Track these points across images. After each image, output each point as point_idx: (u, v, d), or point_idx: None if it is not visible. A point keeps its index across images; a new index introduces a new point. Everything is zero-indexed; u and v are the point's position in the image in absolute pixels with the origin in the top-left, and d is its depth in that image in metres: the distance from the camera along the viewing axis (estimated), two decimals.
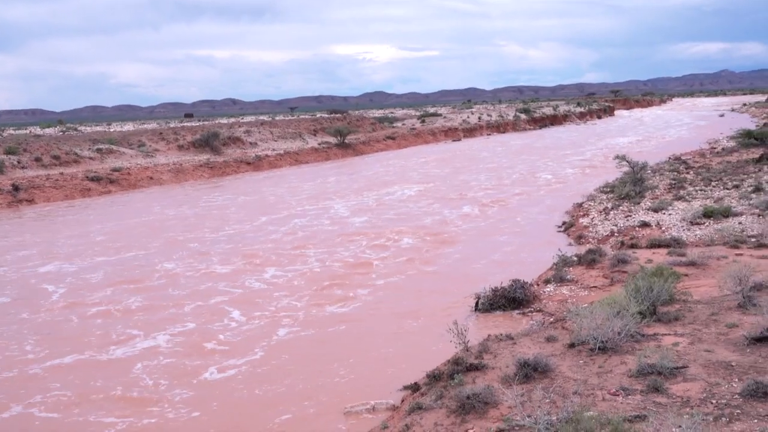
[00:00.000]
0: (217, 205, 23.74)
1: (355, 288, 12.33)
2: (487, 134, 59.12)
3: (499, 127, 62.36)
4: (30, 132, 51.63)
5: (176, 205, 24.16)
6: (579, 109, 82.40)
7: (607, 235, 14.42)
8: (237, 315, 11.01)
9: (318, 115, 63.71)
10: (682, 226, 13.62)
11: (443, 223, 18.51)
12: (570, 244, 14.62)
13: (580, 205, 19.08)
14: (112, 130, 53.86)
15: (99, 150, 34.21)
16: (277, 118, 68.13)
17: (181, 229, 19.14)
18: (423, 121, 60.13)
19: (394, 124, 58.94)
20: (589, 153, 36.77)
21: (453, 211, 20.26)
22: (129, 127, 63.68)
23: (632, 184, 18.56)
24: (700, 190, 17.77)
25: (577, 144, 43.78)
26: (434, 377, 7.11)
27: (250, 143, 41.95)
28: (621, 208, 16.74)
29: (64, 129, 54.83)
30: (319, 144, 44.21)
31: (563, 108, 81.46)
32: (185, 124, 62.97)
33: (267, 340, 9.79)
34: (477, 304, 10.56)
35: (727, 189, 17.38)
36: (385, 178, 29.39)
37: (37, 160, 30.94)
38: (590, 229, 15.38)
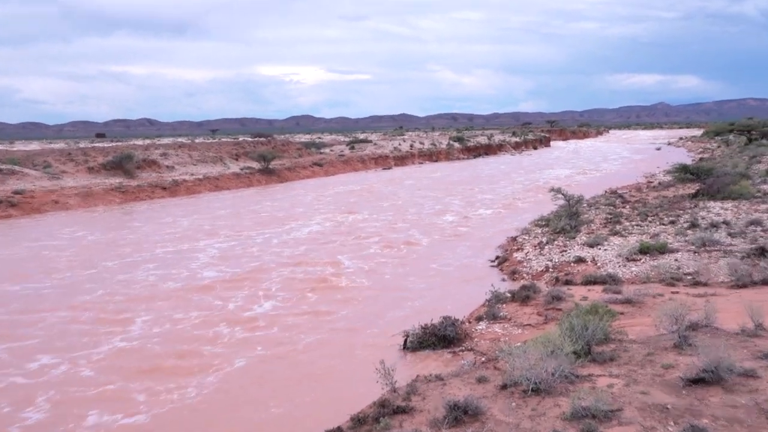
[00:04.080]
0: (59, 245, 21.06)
1: (256, 337, 12.06)
2: (419, 163, 59.92)
3: (432, 156, 63.34)
4: None
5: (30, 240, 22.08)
6: (514, 139, 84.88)
7: (542, 270, 14.64)
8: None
9: (241, 139, 63.23)
10: (618, 263, 13.97)
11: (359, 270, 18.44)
12: (503, 280, 14.77)
13: (514, 239, 19.41)
14: (15, 149, 52.01)
15: None
16: (197, 140, 67.11)
17: None
18: (352, 148, 60.42)
19: (322, 150, 59.03)
20: (522, 185, 37.81)
21: (376, 248, 20.28)
22: (34, 146, 61.56)
23: (567, 217, 19.00)
24: (637, 225, 18.34)
25: (510, 175, 44.95)
26: (359, 421, 6.93)
27: (167, 167, 41.00)
28: (556, 242, 17.06)
29: None
30: (241, 169, 43.66)
31: (498, 137, 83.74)
32: (96, 144, 61.32)
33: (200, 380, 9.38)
34: (406, 342, 10.48)
35: (664, 224, 17.99)
36: (298, 209, 29.12)
37: None
38: (524, 264, 15.59)
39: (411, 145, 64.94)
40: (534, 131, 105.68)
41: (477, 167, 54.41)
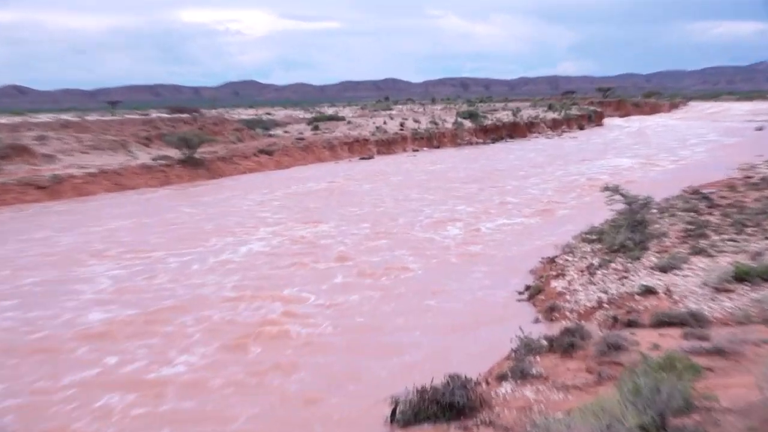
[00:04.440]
0: None
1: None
2: (413, 150, 60.32)
3: (432, 140, 63.80)
4: None
5: None
6: (551, 115, 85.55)
7: (593, 306, 14.55)
8: None
9: (154, 115, 62.74)
10: (704, 295, 13.85)
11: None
12: (537, 320, 14.74)
13: (552, 260, 19.39)
14: None
15: None
16: (89, 117, 66.63)
17: None
18: (316, 128, 60.53)
19: (272, 132, 59.03)
20: (562, 182, 38.17)
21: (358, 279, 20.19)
22: None
23: (630, 229, 18.91)
24: (730, 239, 18.26)
25: (544, 167, 45.33)
26: None
27: (45, 156, 40.66)
28: (613, 265, 16.98)
29: None
30: (154, 159, 43.40)
31: (528, 113, 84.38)
32: None
33: None
34: (394, 412, 10.30)
35: None
36: (233, 219, 28.91)
37: None
38: (567, 297, 15.53)
39: (401, 125, 65.18)
40: (579, 103, 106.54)
41: (496, 156, 54.64)
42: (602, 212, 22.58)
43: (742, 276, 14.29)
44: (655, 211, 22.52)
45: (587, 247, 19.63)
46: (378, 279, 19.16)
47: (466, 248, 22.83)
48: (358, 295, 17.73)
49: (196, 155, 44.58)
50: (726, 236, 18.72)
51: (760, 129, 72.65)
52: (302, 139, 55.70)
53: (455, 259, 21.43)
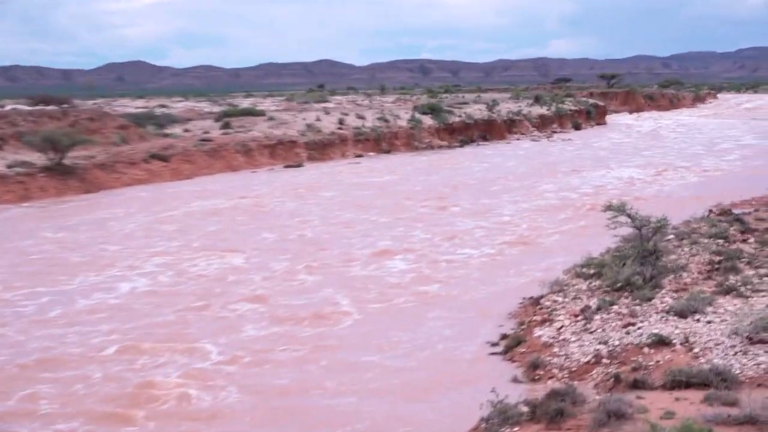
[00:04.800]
0: None
1: None
2: (356, 155, 60.38)
3: (381, 142, 64.05)
4: None
5: None
6: (538, 110, 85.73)
7: (589, 361, 14.58)
8: None
9: (9, 107, 62.18)
10: (734, 347, 13.86)
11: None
12: (515, 380, 14.77)
13: (536, 301, 19.39)
14: None
15: None
16: None
17: None
18: (227, 126, 60.03)
19: (169, 131, 58.47)
20: (549, 199, 38.67)
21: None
22: None
23: (638, 261, 18.93)
24: None
25: (526, 179, 45.90)
26: None
27: None
28: (616, 307, 17.00)
29: None
30: (9, 167, 42.91)
31: (508, 106, 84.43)
32: None
33: None
34: None
35: None
36: (110, 247, 28.55)
37: None
38: (555, 349, 15.56)
39: (340, 122, 64.92)
40: (576, 95, 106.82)
41: (465, 164, 54.96)
42: (602, 239, 22.70)
43: None
44: (671, 237, 22.68)
45: (582, 285, 19.62)
46: (302, 327, 19.07)
47: (420, 287, 22.71)
48: (277, 349, 17.66)
49: (67, 161, 44.12)
50: (764, 270, 18.83)
51: None
52: (209, 140, 55.27)
53: (406, 301, 21.33)
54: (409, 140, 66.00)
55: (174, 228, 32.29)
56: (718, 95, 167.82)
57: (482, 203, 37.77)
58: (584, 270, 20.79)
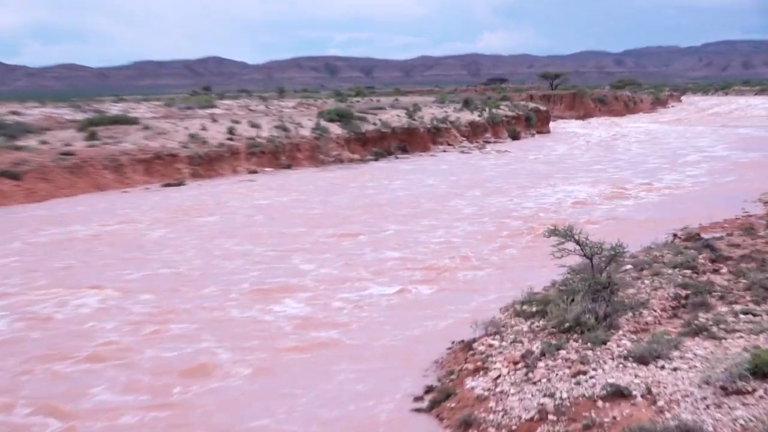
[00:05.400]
0: None
1: None
2: (250, 171, 60.82)
3: (279, 155, 64.36)
4: None
5: None
6: (468, 117, 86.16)
7: (532, 418, 14.57)
8: None
9: None
10: (706, 398, 13.96)
11: None
12: None
13: (468, 346, 19.33)
14: None
15: None
16: None
17: None
18: (93, 137, 59.66)
19: (21, 143, 57.76)
20: (481, 222, 38.89)
21: None
22: None
23: (590, 296, 18.98)
24: (746, 312, 18.52)
25: (451, 199, 46.35)
26: None
27: None
28: (563, 353, 17.02)
29: None
30: None
31: (432, 112, 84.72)
32: None
33: None
34: None
35: None
36: None
37: None
38: (492, 404, 15.51)
39: (231, 131, 64.82)
40: (513, 99, 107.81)
41: (378, 181, 55.35)
42: (546, 270, 22.85)
43: (764, 369, 14.46)
44: (629, 267, 22.90)
45: (523, 325, 19.60)
46: (168, 391, 18.76)
47: (318, 333, 22.58)
48: (132, 417, 17.31)
49: None
50: (740, 307, 19.02)
51: None
52: (71, 154, 54.87)
53: (301, 351, 21.17)
54: (313, 153, 66.49)
55: (15, 262, 31.98)
56: (682, 98, 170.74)
57: (394, 230, 37.92)
58: (525, 308, 20.78)
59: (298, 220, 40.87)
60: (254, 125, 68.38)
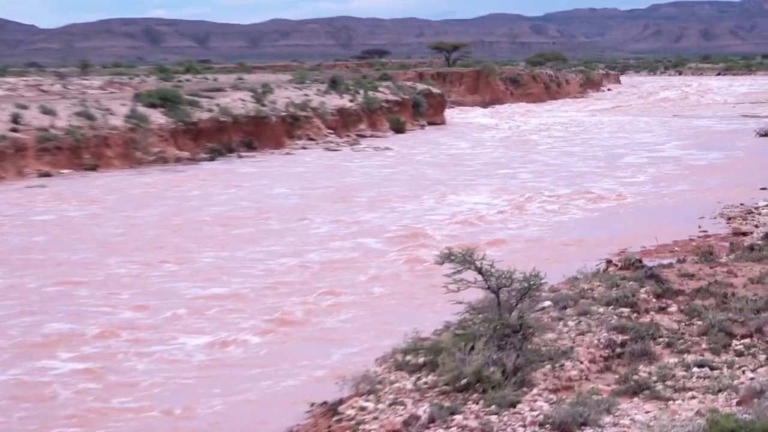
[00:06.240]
0: None
1: None
2: (40, 173, 60.85)
3: (81, 152, 64.58)
4: None
5: None
6: (336, 102, 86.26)
7: None
8: None
9: None
10: None
11: None
12: None
13: (332, 410, 19.24)
14: None
15: None
16: None
17: None
18: None
19: None
20: (348, 243, 39.19)
21: None
22: None
23: (495, 342, 18.94)
24: (700, 364, 18.70)
25: (309, 210, 47.02)
26: None
27: None
28: (459, 418, 16.96)
29: None
30: None
31: (288, 96, 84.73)
32: None
33: None
34: None
35: None
36: None
37: None
38: None
39: (15, 119, 64.90)
40: (396, 78, 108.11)
41: (206, 188, 55.70)
42: (437, 308, 22.77)
43: None
44: (548, 304, 22.98)
45: (407, 381, 19.52)
46: None
47: (104, 401, 22.24)
48: None
49: None
50: (693, 357, 19.17)
51: (766, 134, 74.94)
52: None
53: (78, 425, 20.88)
54: (127, 150, 66.57)
55: None
56: (622, 78, 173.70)
57: (219, 257, 37.74)
58: (409, 358, 20.72)
59: (90, 243, 40.44)
60: (47, 111, 67.52)
